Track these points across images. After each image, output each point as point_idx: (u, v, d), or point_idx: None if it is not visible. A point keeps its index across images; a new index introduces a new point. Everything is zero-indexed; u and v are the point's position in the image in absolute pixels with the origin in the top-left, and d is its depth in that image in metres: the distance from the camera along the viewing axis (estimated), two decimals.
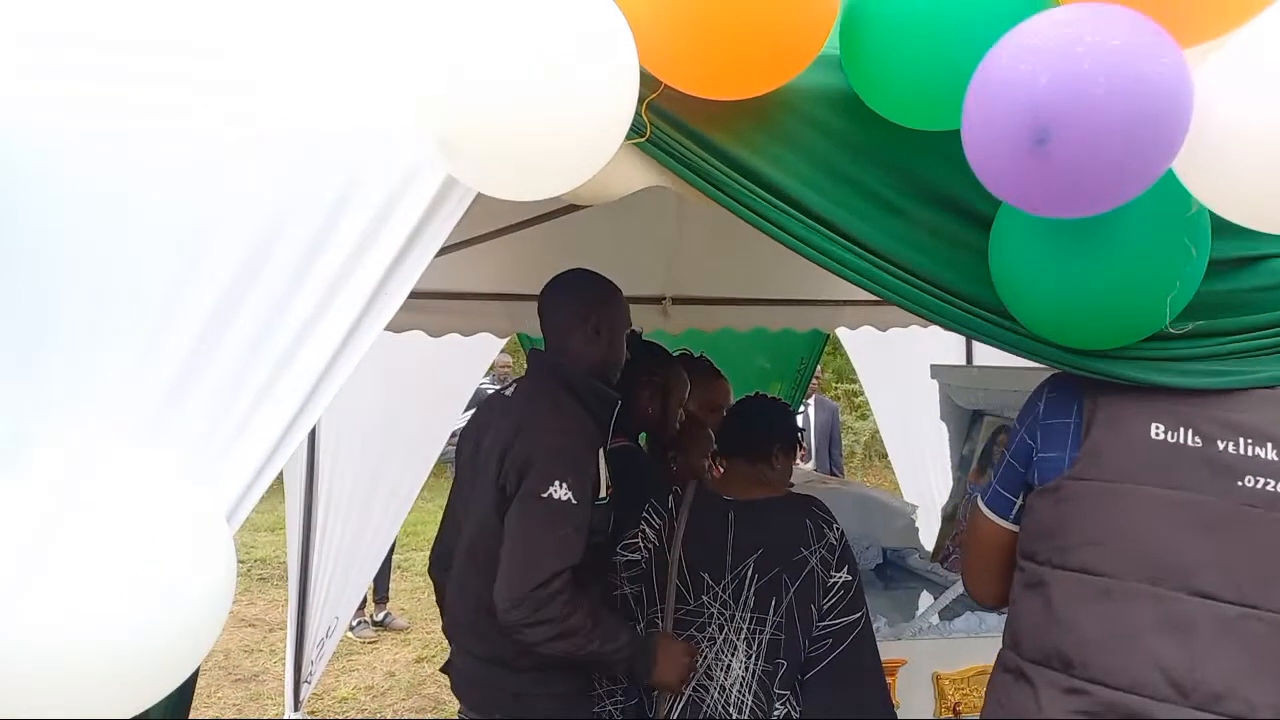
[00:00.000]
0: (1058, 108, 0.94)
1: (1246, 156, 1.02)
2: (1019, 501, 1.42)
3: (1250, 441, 1.21)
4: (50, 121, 1.10)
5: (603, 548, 1.95)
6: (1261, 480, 1.19)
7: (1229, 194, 1.08)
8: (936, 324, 1.32)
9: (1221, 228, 1.16)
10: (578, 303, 1.99)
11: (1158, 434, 1.25)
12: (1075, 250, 1.17)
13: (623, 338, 2.06)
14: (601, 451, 1.88)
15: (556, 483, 1.74)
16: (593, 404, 1.94)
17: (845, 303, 3.64)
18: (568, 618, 1.72)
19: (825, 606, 1.82)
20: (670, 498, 2.00)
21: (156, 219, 1.10)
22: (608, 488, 1.92)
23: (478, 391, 4.34)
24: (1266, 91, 1.00)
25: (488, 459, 1.90)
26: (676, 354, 2.92)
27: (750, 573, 1.84)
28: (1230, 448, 1.22)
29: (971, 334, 1.33)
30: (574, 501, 1.75)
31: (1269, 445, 1.21)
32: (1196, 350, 1.27)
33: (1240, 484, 1.20)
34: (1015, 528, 1.42)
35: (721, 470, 2.11)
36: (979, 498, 1.50)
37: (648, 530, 1.98)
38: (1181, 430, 1.24)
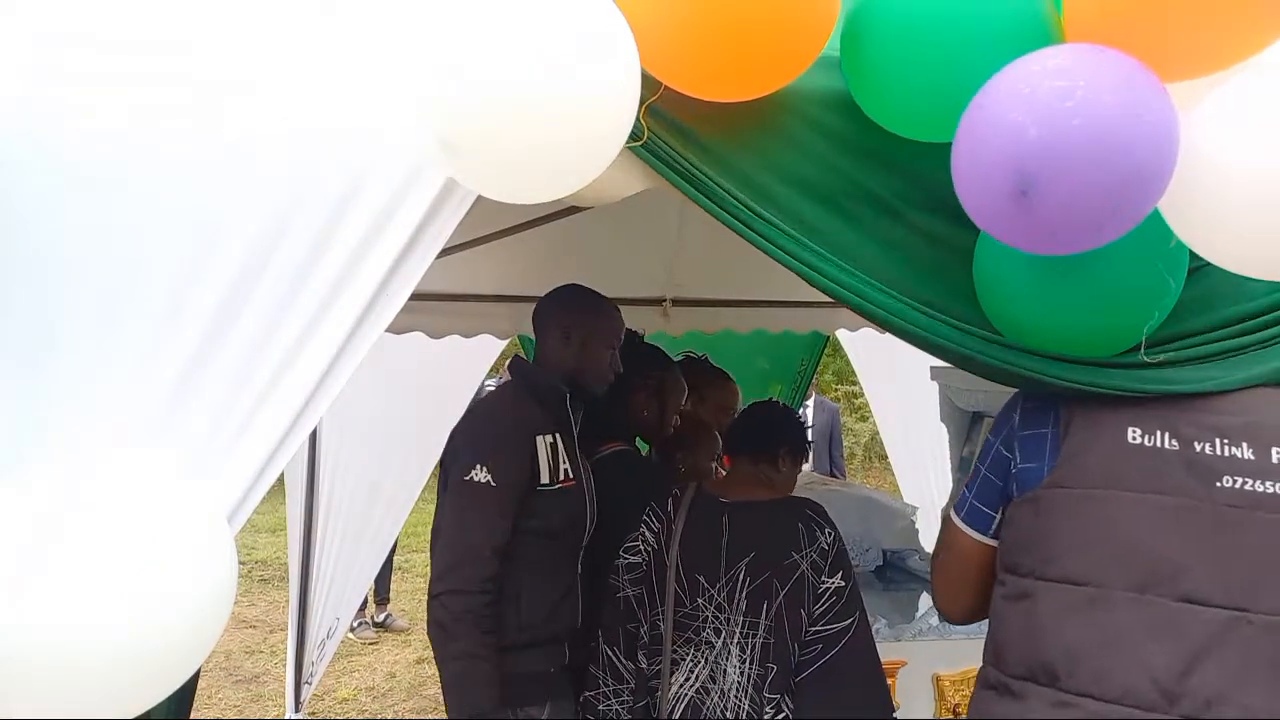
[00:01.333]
0: (1043, 162, 0.95)
1: (1231, 201, 1.03)
2: (998, 516, 1.38)
3: (1226, 441, 1.20)
4: (51, 122, 1.10)
5: (562, 536, 2.03)
6: (1240, 480, 1.18)
7: (1213, 238, 1.09)
8: (925, 345, 1.31)
9: None
10: (554, 310, 2.14)
11: (1135, 438, 1.24)
12: (1053, 277, 1.19)
13: (603, 348, 2.15)
14: (546, 439, 1.99)
15: (478, 466, 1.87)
16: (545, 395, 2.06)
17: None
18: (466, 620, 1.81)
19: (816, 612, 1.80)
20: (670, 500, 2.00)
21: (159, 220, 1.11)
22: (565, 477, 2.01)
23: (479, 393, 4.34)
24: (1252, 138, 1.01)
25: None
26: (681, 356, 2.91)
27: (742, 576, 1.84)
28: (1208, 449, 1.21)
29: (960, 352, 1.30)
30: (493, 484, 1.86)
31: (1244, 444, 1.20)
32: (1177, 355, 1.27)
33: (1220, 485, 1.19)
34: (994, 543, 1.39)
35: (725, 472, 2.12)
36: (952, 513, 1.47)
37: (647, 533, 1.98)
38: (1159, 433, 1.23)
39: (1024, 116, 0.96)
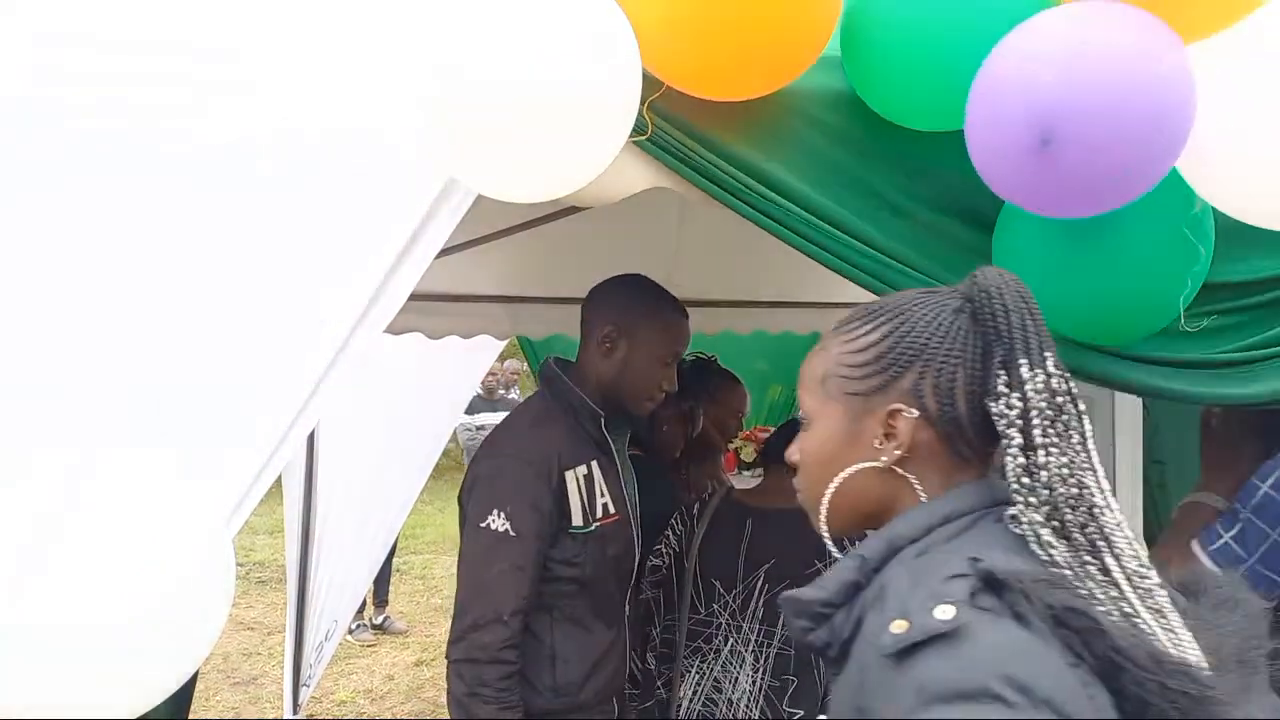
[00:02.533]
0: (1063, 110, 0.94)
1: (1248, 153, 1.02)
2: None
3: None
4: (51, 122, 1.10)
5: (602, 582, 1.73)
6: None
7: (1232, 190, 1.08)
8: None
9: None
10: (598, 308, 1.79)
11: None
12: (1079, 249, 1.17)
13: (654, 363, 1.76)
14: (579, 471, 1.68)
15: (495, 512, 1.58)
16: (579, 414, 1.74)
17: (846, 305, 3.63)
18: (483, 695, 1.54)
19: None
20: (697, 504, 1.99)
21: (158, 220, 1.10)
22: (605, 513, 1.72)
23: (476, 394, 4.33)
24: (1267, 89, 1.00)
25: None
26: (691, 359, 2.91)
27: (760, 583, 1.81)
28: None
29: None
30: (512, 533, 1.57)
31: None
32: (1220, 322, 1.24)
33: None
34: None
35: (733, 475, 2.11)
36: (1207, 561, 1.31)
37: (671, 536, 1.96)
38: None
39: (1039, 67, 0.95)
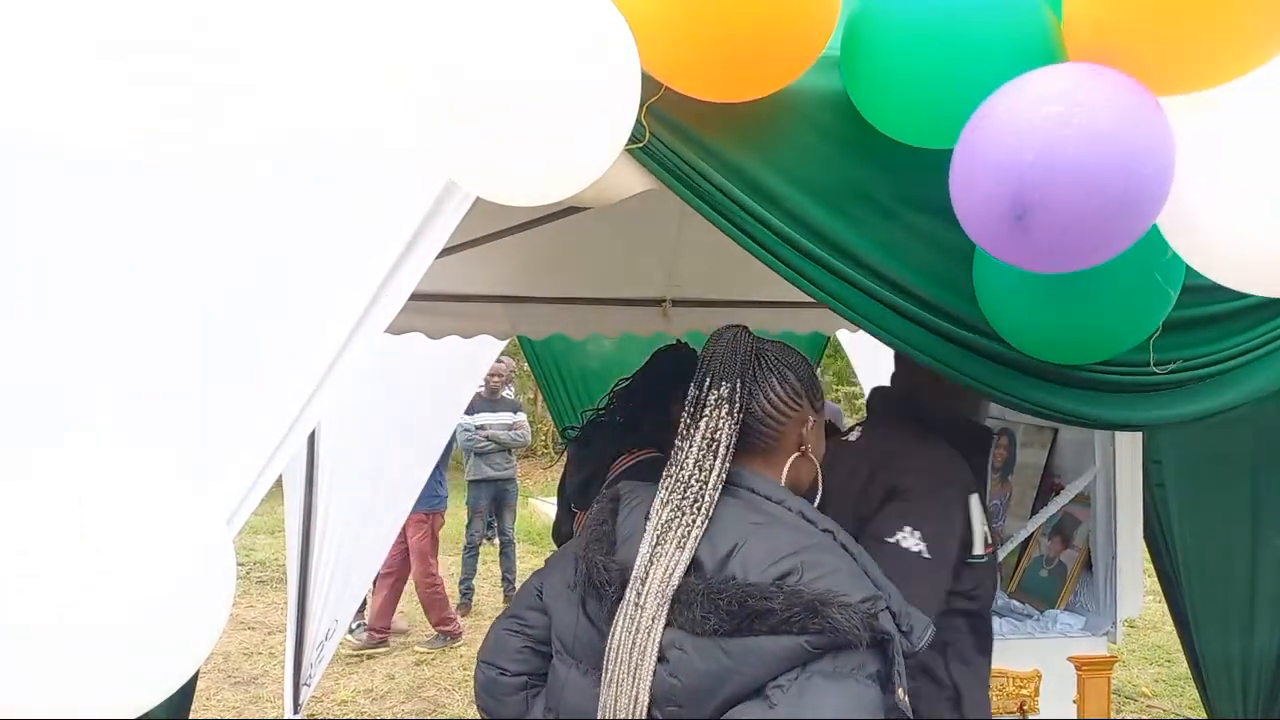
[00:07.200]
0: (1039, 189, 0.96)
1: (1226, 219, 1.03)
2: None
3: None
4: (51, 122, 1.10)
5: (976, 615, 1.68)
6: None
7: (1209, 255, 1.10)
8: (916, 356, 1.32)
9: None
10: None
11: None
12: (1051, 287, 1.19)
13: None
14: (975, 498, 1.64)
15: (906, 529, 1.56)
16: (962, 443, 1.70)
17: None
18: None
19: None
20: None
21: (159, 220, 1.10)
22: (986, 543, 1.66)
23: (477, 393, 4.32)
24: (1246, 157, 1.01)
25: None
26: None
27: None
28: None
29: (957, 373, 1.32)
30: (926, 555, 1.55)
31: None
32: (1191, 372, 1.28)
33: None
34: None
35: None
36: None
37: None
38: None
39: (1020, 142, 0.97)
